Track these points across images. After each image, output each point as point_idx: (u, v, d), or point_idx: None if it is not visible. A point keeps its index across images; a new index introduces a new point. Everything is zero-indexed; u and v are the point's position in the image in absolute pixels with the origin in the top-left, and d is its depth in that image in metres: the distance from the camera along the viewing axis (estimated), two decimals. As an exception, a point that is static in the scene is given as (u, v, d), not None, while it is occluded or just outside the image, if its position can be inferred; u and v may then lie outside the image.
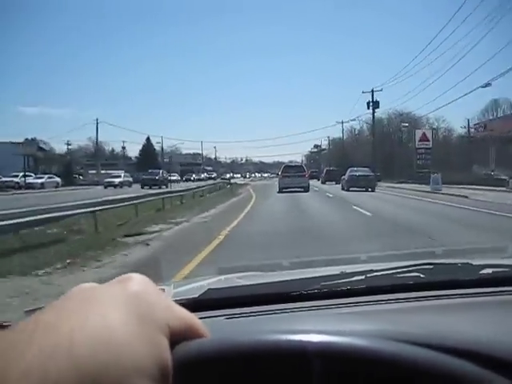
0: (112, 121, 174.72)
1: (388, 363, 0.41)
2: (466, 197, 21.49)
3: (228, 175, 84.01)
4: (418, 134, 49.41)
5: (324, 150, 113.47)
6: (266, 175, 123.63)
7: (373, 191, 28.03)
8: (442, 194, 25.12)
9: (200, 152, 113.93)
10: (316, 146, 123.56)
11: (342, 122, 78.50)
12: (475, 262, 1.36)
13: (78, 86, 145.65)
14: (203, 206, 18.13)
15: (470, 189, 27.57)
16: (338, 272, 1.35)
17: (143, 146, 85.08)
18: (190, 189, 25.08)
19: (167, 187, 35.52)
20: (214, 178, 75.37)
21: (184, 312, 0.42)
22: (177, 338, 0.39)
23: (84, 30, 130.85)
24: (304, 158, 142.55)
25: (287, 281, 1.31)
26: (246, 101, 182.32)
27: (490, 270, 1.24)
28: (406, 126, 62.71)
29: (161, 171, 48.26)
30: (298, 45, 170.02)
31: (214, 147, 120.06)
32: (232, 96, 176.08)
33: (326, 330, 0.44)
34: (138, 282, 0.40)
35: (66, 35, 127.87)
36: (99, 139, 79.57)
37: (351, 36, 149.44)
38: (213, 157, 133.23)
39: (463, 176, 39.09)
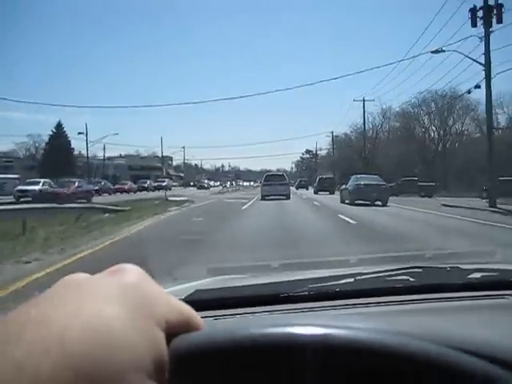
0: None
1: (390, 356, 0.40)
2: None
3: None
4: None
5: (316, 155, 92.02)
6: (246, 184, 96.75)
7: (384, 206, 20.47)
8: None
9: (181, 157, 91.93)
10: (308, 152, 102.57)
11: (364, 100, 50.44)
12: (464, 266, 1.37)
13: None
14: None
15: None
16: (327, 274, 1.35)
17: (50, 137, 55.88)
18: None
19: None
20: (164, 188, 52.11)
21: (182, 304, 0.40)
22: (174, 330, 0.38)
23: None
24: (293, 166, 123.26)
25: (276, 283, 1.31)
26: (234, 106, 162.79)
27: (478, 274, 1.25)
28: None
29: None
30: (291, 50, 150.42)
31: (183, 147, 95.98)
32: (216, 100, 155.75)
33: (321, 323, 0.43)
34: (132, 272, 0.38)
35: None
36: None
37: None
38: (193, 163, 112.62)
39: None
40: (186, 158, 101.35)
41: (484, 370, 0.42)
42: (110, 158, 77.87)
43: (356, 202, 20.82)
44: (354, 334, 0.41)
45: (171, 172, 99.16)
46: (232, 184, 78.36)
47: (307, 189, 54.27)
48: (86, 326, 0.31)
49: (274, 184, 27.75)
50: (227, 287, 1.32)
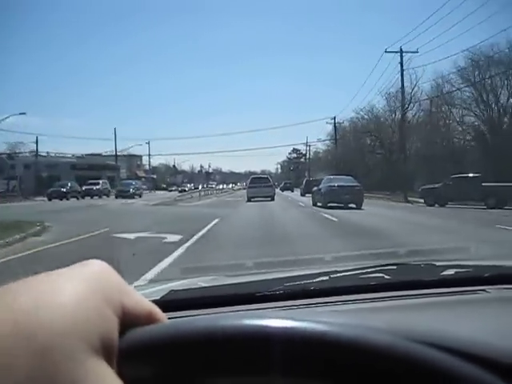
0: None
1: (356, 349, 0.39)
2: None
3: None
4: None
5: (304, 155, 79.37)
6: (222, 186, 75.67)
7: (359, 208, 19.54)
8: None
9: (160, 157, 76.58)
10: (295, 151, 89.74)
11: (401, 52, 31.04)
12: (438, 263, 1.39)
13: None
14: None
15: None
16: (302, 273, 1.37)
17: None
18: None
19: None
20: (97, 194, 37.89)
21: (142, 298, 0.41)
22: (132, 321, 0.39)
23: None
24: (279, 167, 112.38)
25: (251, 282, 1.33)
26: (218, 106, 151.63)
27: (452, 271, 1.26)
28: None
29: None
30: (278, 45, 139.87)
31: (147, 142, 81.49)
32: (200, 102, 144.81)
33: (289, 316, 0.42)
34: (99, 264, 0.41)
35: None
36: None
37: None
38: (171, 164, 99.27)
39: None
40: (162, 157, 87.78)
41: (453, 364, 0.41)
42: (57, 156, 64.17)
43: (329, 204, 20.24)
44: (315, 326, 0.40)
45: (140, 173, 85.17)
46: (197, 188, 54.38)
47: (292, 191, 55.96)
48: (37, 293, 0.34)
49: (259, 186, 29.28)
50: (202, 287, 1.31)
